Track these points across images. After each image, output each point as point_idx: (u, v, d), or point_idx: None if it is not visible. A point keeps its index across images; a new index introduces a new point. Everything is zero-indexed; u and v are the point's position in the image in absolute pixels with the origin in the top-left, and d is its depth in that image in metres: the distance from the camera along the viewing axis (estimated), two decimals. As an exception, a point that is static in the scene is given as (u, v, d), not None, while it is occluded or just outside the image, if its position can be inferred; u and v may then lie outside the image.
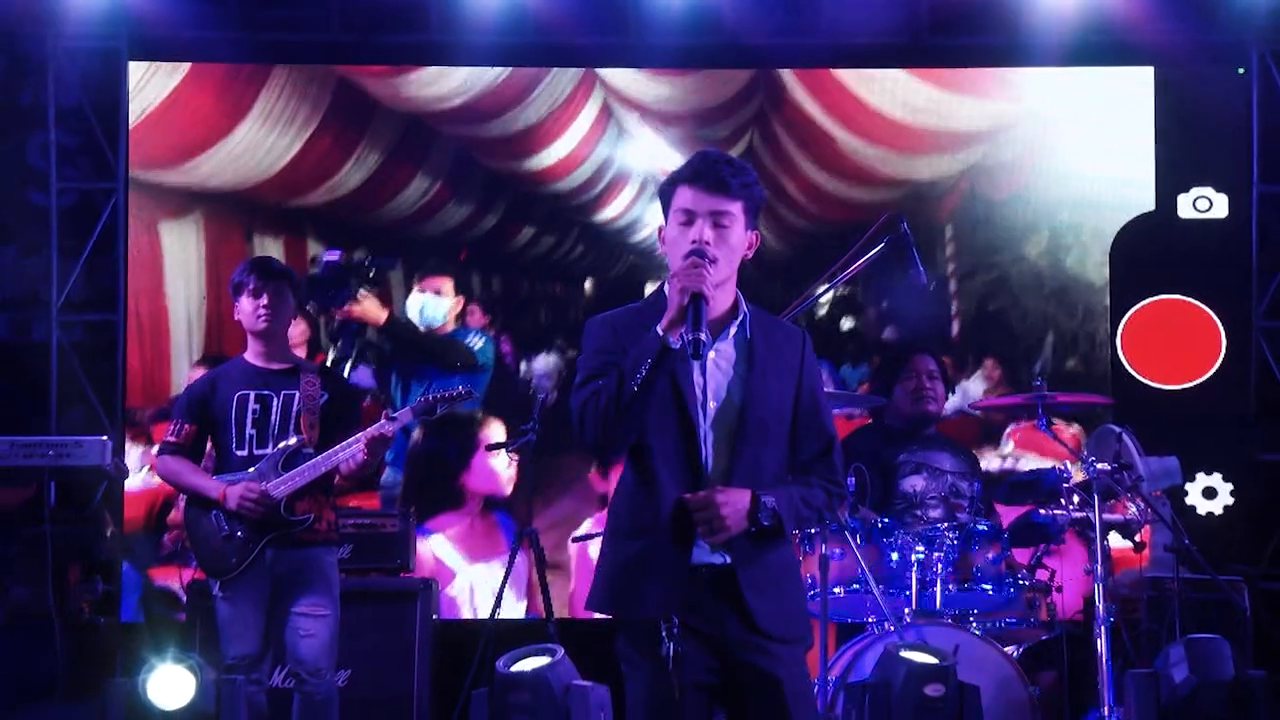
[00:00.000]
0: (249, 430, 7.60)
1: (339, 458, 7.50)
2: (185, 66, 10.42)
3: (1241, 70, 10.47)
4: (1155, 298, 10.53)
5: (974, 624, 8.21)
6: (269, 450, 7.54)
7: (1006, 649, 8.17)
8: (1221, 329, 10.44)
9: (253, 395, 7.61)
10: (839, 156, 10.78)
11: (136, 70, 10.38)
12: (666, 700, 4.88)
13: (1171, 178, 10.57)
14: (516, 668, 7.39)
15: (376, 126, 10.58)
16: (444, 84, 10.64)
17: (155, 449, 8.19)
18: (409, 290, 10.56)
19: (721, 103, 10.78)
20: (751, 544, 5.00)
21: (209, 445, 7.73)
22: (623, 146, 10.71)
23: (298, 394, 7.60)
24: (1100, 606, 8.08)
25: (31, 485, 7.69)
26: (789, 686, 5.00)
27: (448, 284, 10.52)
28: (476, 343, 10.51)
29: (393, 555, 8.73)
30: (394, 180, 10.60)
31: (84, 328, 10.30)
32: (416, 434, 10.24)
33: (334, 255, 10.10)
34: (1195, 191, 10.54)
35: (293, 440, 7.55)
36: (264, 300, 7.62)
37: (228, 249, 10.49)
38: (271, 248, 10.53)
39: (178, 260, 10.47)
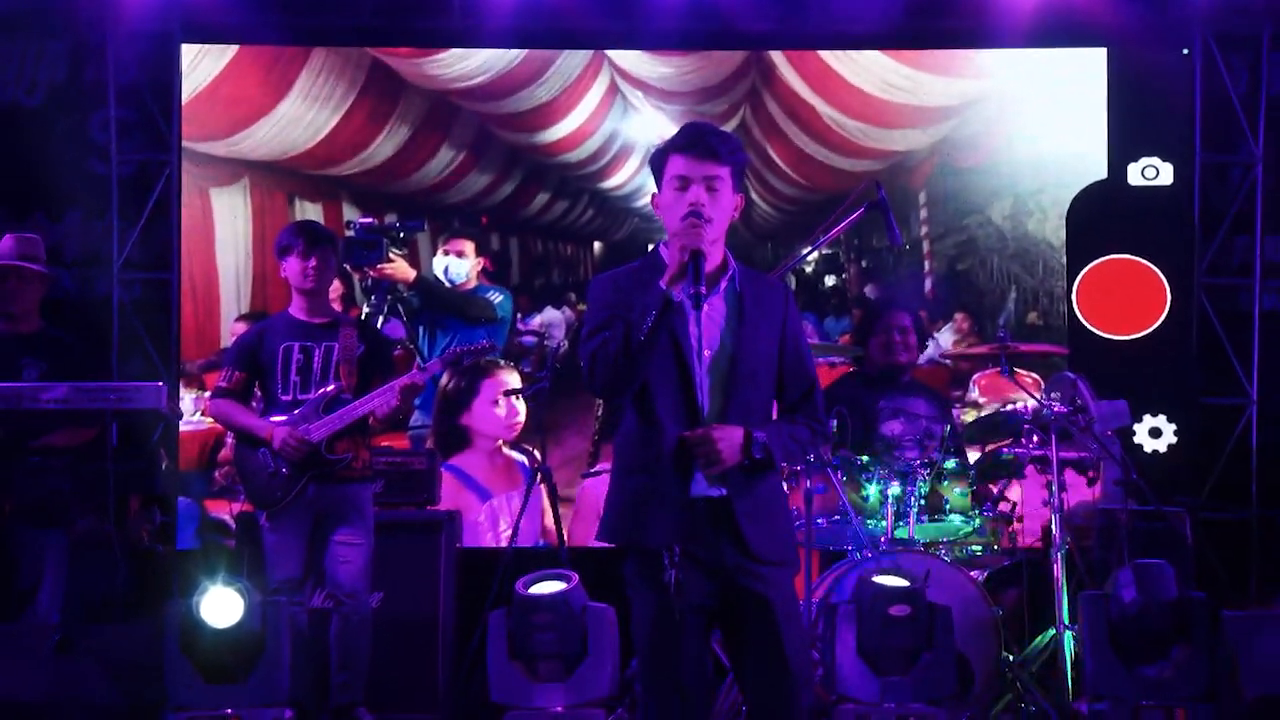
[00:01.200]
0: (293, 377, 7.63)
1: (374, 403, 7.55)
2: (233, 49, 10.41)
3: (1186, 51, 10.45)
4: (1107, 257, 10.51)
5: (943, 551, 8.25)
6: (311, 395, 7.58)
7: (972, 573, 8.20)
8: (1167, 285, 10.42)
9: (297, 346, 7.65)
10: (824, 130, 10.78)
11: (189, 52, 10.37)
12: (668, 622, 4.91)
13: (1122, 148, 10.55)
14: (536, 590, 7.43)
15: (406, 103, 10.57)
16: (466, 65, 10.62)
17: (209, 394, 8.19)
18: (434, 251, 10.57)
19: (718, 82, 10.77)
20: (745, 476, 5.02)
21: (255, 391, 7.78)
22: (628, 121, 10.71)
23: (337, 345, 7.65)
24: (1056, 535, 8.13)
25: (95, 426, 7.68)
26: (780, 608, 5.02)
27: (469, 246, 10.53)
28: (496, 298, 10.51)
29: (420, 490, 8.74)
30: (422, 152, 10.60)
31: (141, 285, 10.32)
32: (448, 381, 10.24)
33: (367, 220, 10.10)
34: (1144, 161, 10.51)
35: (332, 387, 7.58)
36: (312, 262, 7.66)
37: (272, 213, 10.51)
38: (311, 212, 10.57)
39: (227, 223, 10.50)
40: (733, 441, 4.95)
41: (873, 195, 8.03)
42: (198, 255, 10.33)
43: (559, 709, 7.31)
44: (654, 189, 5.19)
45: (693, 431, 4.96)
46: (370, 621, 7.70)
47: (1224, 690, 7.42)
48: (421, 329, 10.45)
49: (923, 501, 8.21)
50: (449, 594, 8.42)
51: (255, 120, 10.48)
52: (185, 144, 10.34)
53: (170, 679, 7.14)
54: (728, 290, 5.11)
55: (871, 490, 8.20)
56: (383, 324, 10.15)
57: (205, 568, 7.80)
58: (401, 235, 10.25)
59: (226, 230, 10.52)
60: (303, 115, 10.47)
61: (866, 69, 10.75)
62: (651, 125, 10.65)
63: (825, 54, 10.75)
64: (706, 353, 5.03)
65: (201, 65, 10.40)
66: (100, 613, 7.63)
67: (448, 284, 10.51)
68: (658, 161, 5.14)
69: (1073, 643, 7.89)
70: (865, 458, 8.29)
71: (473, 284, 10.55)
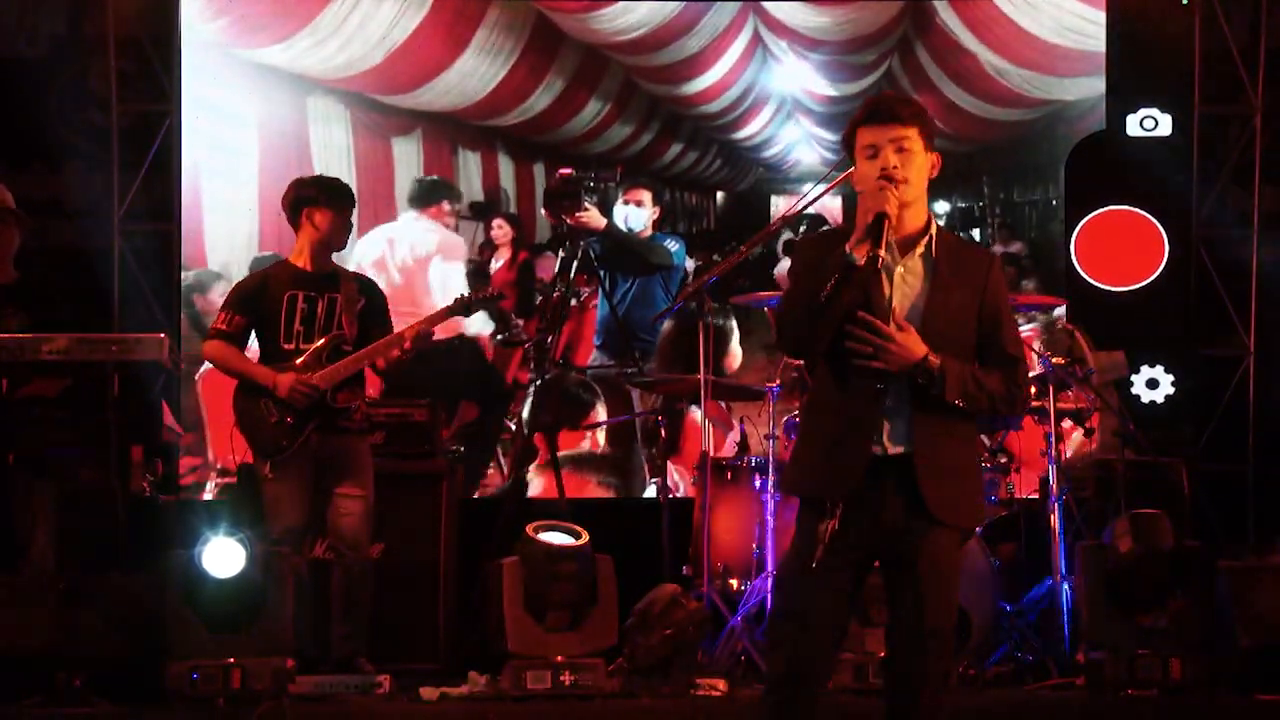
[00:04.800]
0: (297, 326, 7.62)
1: (380, 352, 7.55)
2: (427, 7, 10.53)
3: (1185, 1, 10.41)
4: (1106, 208, 10.49)
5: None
6: (313, 345, 7.57)
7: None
8: (1165, 236, 10.40)
9: (301, 295, 7.64)
10: (983, 79, 10.73)
11: (389, 12, 10.48)
12: (808, 569, 4.91)
13: (1121, 99, 10.53)
14: (547, 538, 7.48)
15: (562, 57, 10.75)
16: (628, 19, 10.73)
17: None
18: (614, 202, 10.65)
19: (871, 31, 10.76)
20: (929, 433, 4.96)
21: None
22: (767, 72, 10.77)
23: (340, 296, 7.64)
24: (1054, 486, 8.13)
25: (96, 378, 7.65)
26: (930, 572, 4.92)
27: (647, 195, 10.49)
28: (673, 246, 10.46)
29: (422, 441, 8.73)
30: (573, 104, 10.80)
31: (143, 236, 10.28)
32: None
33: (566, 171, 10.12)
34: (1143, 112, 10.48)
35: (334, 336, 7.57)
36: (345, 219, 7.75)
37: (439, 161, 10.81)
38: (471, 160, 10.86)
39: (403, 170, 10.74)
40: (909, 351, 4.90)
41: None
42: (381, 198, 10.46)
43: (563, 658, 7.35)
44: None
45: (878, 324, 4.90)
46: (372, 573, 7.71)
47: (1220, 640, 7.45)
48: (603, 273, 10.42)
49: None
50: (450, 545, 8.43)
51: (436, 75, 10.69)
52: (371, 95, 10.60)
53: (172, 629, 7.15)
54: (925, 254, 5.07)
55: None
56: (575, 270, 10.07)
57: (207, 518, 7.80)
58: (592, 184, 10.24)
59: (403, 176, 10.75)
60: (476, 69, 10.68)
61: (1046, 14, 10.63)
62: (790, 76, 10.72)
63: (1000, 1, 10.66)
64: (896, 310, 5.01)
65: (400, 23, 10.50)
66: (102, 563, 7.62)
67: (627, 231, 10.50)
68: (848, 140, 5.14)
69: (1070, 593, 7.90)
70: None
71: (649, 232, 10.49)
